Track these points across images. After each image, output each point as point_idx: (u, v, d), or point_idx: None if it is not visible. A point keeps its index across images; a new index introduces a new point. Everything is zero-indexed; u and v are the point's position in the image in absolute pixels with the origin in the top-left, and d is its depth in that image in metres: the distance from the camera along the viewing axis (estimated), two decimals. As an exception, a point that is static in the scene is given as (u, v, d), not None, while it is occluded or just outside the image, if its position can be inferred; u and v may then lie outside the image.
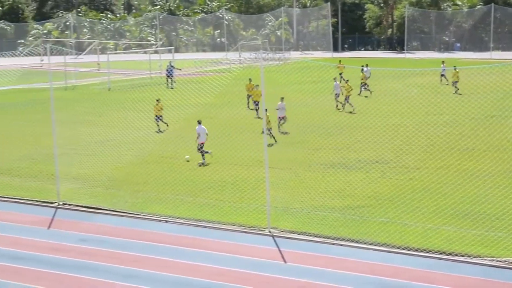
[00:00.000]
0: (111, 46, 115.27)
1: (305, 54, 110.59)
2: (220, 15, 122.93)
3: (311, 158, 31.12)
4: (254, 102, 43.68)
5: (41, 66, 77.25)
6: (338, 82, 46.81)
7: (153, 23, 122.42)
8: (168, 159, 31.71)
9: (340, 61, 56.75)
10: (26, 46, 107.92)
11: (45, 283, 18.20)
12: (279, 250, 20.25)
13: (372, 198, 24.69)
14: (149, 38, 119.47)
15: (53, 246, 21.09)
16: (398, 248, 19.81)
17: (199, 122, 31.24)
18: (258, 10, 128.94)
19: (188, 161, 31.22)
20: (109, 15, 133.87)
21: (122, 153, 31.52)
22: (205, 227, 22.48)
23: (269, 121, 34.07)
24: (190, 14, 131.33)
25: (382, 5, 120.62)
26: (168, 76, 60.40)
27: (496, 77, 41.43)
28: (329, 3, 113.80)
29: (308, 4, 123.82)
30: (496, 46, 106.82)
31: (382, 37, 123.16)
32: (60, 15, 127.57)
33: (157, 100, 38.86)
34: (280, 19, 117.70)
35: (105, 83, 63.90)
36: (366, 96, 51.09)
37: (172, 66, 61.99)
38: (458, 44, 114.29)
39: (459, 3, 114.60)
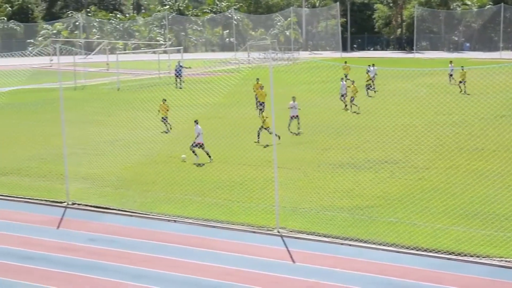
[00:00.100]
0: (120, 46, 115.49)
1: (314, 54, 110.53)
2: (229, 15, 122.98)
3: (320, 158, 31.10)
4: (259, 102, 43.71)
5: (50, 66, 77.40)
6: (344, 83, 46.81)
7: (162, 23, 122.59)
8: (176, 159, 31.73)
9: (345, 62, 56.70)
10: (36, 46, 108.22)
11: (55, 283, 18.25)
12: (288, 250, 20.24)
13: (381, 198, 24.65)
14: (158, 38, 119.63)
15: (63, 246, 21.14)
16: (407, 248, 19.78)
17: (196, 122, 31.28)
18: (267, 10, 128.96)
19: (184, 161, 31.22)
20: (118, 15, 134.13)
21: (131, 153, 31.58)
22: (214, 227, 22.49)
23: (264, 121, 34.09)
24: (199, 14, 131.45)
25: (391, 5, 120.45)
26: (177, 76, 60.47)
27: (506, 77, 41.38)
28: (338, 3, 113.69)
29: (317, 4, 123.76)
30: (505, 46, 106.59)
31: (391, 37, 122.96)
32: (70, 15, 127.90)
33: (163, 100, 38.88)
34: (289, 19, 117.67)
35: (114, 83, 64.01)
36: (370, 96, 51.01)
37: (180, 65, 62.02)
38: (468, 44, 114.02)
39: (469, 2, 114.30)
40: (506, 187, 24.84)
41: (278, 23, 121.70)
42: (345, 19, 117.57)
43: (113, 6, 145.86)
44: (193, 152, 31.12)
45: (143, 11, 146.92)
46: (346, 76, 52.97)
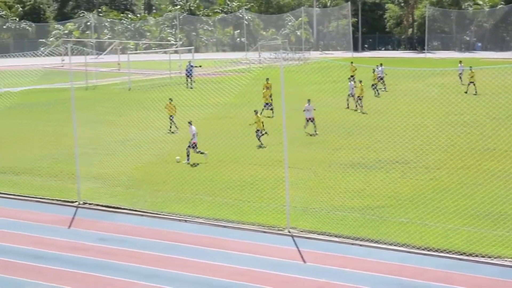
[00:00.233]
0: (132, 46, 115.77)
1: (325, 54, 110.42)
2: (240, 15, 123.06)
3: (330, 158, 31.08)
4: (265, 103, 43.74)
5: (62, 66, 77.67)
6: (352, 83, 46.77)
7: (173, 23, 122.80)
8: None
9: (352, 62, 56.68)
10: (48, 46, 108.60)
11: (66, 282, 18.30)
12: (299, 250, 20.23)
13: (392, 198, 24.60)
14: (169, 38, 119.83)
15: (74, 245, 21.20)
16: (418, 248, 19.74)
17: (190, 123, 31.30)
18: (278, 10, 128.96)
19: (178, 162, 31.23)
20: (129, 15, 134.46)
21: (142, 153, 31.64)
22: (225, 226, 22.51)
23: (261, 122, 34.00)
24: (210, 14, 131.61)
25: (402, 4, 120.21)
26: (188, 76, 60.52)
27: (518, 77, 41.11)
28: (349, 3, 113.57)
29: (328, 4, 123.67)
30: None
31: (403, 36, 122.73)
32: (81, 15, 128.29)
33: (169, 100, 38.90)
34: (300, 19, 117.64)
35: (126, 83, 64.15)
36: (377, 96, 50.90)
37: (191, 65, 62.07)
38: (479, 44, 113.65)
39: (480, 2, 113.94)
40: (517, 187, 24.74)
41: (289, 23, 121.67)
42: (356, 19, 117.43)
43: (125, 6, 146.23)
44: (188, 153, 31.12)
45: (154, 11, 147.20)
46: (352, 77, 52.88)
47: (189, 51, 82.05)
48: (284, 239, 21.23)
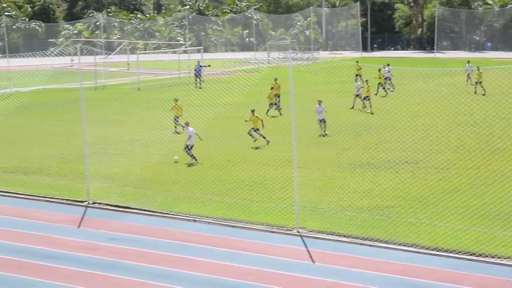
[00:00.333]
0: (141, 46, 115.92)
1: (334, 54, 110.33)
2: (249, 15, 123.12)
3: (339, 158, 31.05)
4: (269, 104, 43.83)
5: (71, 66, 77.79)
6: (359, 83, 46.68)
7: (183, 23, 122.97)
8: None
9: (357, 61, 56.61)
10: (57, 46, 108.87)
11: (76, 282, 18.35)
12: (307, 250, 20.23)
13: (401, 199, 24.57)
14: (178, 38, 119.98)
15: (84, 245, 21.26)
16: (427, 248, 19.71)
17: (187, 124, 31.29)
18: (287, 10, 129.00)
19: (176, 162, 31.24)
20: (139, 15, 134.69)
21: (151, 153, 31.69)
22: (234, 226, 22.52)
23: (256, 121, 33.92)
24: (219, 14, 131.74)
25: (412, 4, 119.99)
26: (197, 76, 60.56)
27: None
28: (358, 3, 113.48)
29: (337, 4, 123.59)
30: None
31: (412, 36, 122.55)
32: (91, 15, 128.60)
33: (175, 100, 38.91)
34: (309, 18, 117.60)
35: (135, 83, 64.26)
36: (382, 96, 50.82)
37: (200, 65, 62.12)
38: (489, 44, 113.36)
39: (490, 2, 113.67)
40: (527, 187, 24.66)
41: (298, 23, 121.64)
42: (365, 19, 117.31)
43: (134, 6, 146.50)
44: (191, 155, 31.12)
45: (164, 11, 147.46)
46: (359, 76, 52.81)
47: (198, 51, 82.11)
48: (293, 239, 21.23)
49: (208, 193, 26.16)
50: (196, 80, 60.87)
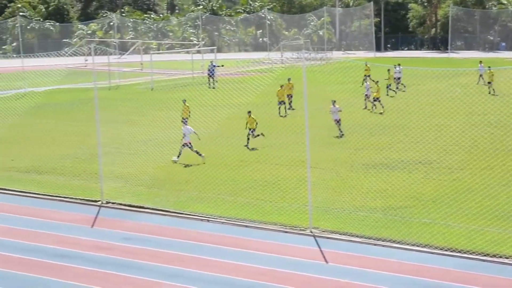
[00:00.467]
0: (154, 46, 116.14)
1: (347, 54, 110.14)
2: (263, 15, 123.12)
3: (353, 158, 31.00)
4: (280, 101, 43.86)
5: (85, 66, 78.13)
6: (368, 83, 46.56)
7: (196, 23, 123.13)
8: (209, 158, 31.81)
9: (366, 63, 56.64)
10: (71, 46, 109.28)
11: (90, 281, 18.42)
12: (321, 250, 20.22)
13: (415, 199, 24.51)
14: (191, 38, 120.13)
15: (98, 245, 21.33)
16: (440, 249, 19.65)
17: (185, 123, 31.28)
18: (301, 10, 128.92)
19: (175, 162, 31.26)
20: (152, 15, 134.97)
21: (164, 152, 31.73)
22: (247, 226, 22.54)
23: (252, 123, 33.78)
24: (232, 14, 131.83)
25: (425, 4, 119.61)
26: (210, 76, 60.62)
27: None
28: (372, 3, 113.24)
29: (350, 4, 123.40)
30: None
31: (426, 36, 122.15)
32: (104, 15, 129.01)
33: (183, 101, 38.93)
34: (322, 18, 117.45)
35: (148, 83, 64.42)
36: (392, 96, 50.69)
37: (213, 65, 62.17)
38: (503, 44, 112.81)
39: (505, 2, 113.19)
40: (542, 188, 24.54)
41: (312, 23, 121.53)
42: (379, 19, 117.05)
43: (147, 6, 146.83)
44: (197, 153, 31.16)
45: (177, 11, 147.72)
46: (368, 77, 52.66)
47: (212, 51, 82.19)
48: (306, 239, 21.22)
49: (221, 193, 26.19)
50: (209, 80, 60.92)
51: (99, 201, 25.86)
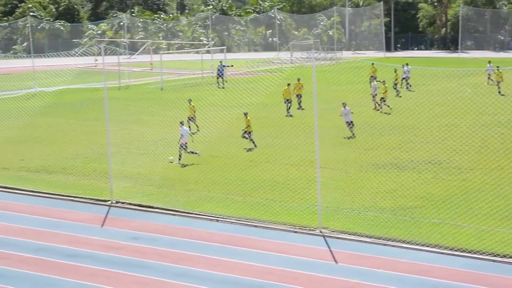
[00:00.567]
0: (164, 46, 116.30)
1: (357, 54, 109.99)
2: (272, 15, 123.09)
3: (362, 158, 30.97)
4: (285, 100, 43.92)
5: (95, 66, 78.30)
6: (375, 83, 46.45)
7: (206, 23, 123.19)
8: (218, 159, 31.87)
9: (372, 63, 56.54)
10: (81, 46, 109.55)
11: (99, 280, 18.48)
12: (330, 250, 20.21)
13: (424, 199, 24.47)
14: (201, 38, 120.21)
15: (107, 244, 21.39)
16: (450, 249, 19.62)
17: (182, 123, 31.30)
18: (310, 9, 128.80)
19: (171, 162, 31.28)
20: (162, 15, 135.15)
21: (173, 152, 31.74)
22: (256, 226, 22.55)
23: (248, 125, 33.64)
24: (242, 14, 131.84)
25: (436, 4, 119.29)
26: (219, 76, 60.62)
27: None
28: (382, 2, 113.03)
29: (360, 4, 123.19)
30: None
31: (436, 36, 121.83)
32: (114, 15, 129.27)
33: (189, 101, 38.94)
34: (332, 18, 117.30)
35: (158, 83, 64.52)
36: (400, 96, 50.59)
37: (223, 65, 62.19)
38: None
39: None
40: (552, 188, 24.45)
41: (321, 23, 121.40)
42: (388, 19, 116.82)
43: (157, 6, 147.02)
44: (190, 152, 31.16)
45: (187, 11, 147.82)
46: (375, 78, 52.52)
47: (221, 51, 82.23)
48: (316, 239, 21.22)
49: (231, 193, 26.21)
50: (218, 80, 60.94)
51: (108, 200, 25.92)
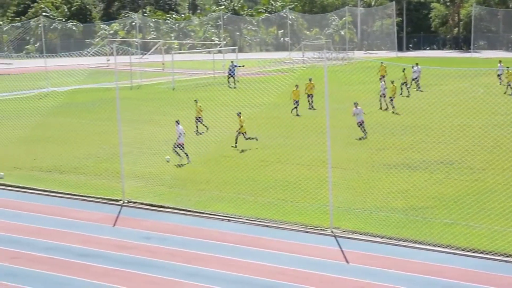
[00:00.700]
0: (176, 46, 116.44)
1: (369, 54, 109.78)
2: (284, 15, 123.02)
3: (374, 158, 30.92)
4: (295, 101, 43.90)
5: (107, 66, 78.51)
6: (383, 83, 46.32)
7: (218, 23, 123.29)
8: (230, 158, 31.90)
9: (382, 62, 56.41)
10: (94, 46, 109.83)
11: (111, 280, 18.52)
12: (341, 250, 20.19)
13: (436, 199, 24.40)
14: (213, 38, 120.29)
15: (119, 244, 21.45)
16: (462, 250, 19.56)
17: (178, 123, 31.27)
18: (322, 9, 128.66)
19: (168, 161, 31.28)
20: (174, 15, 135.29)
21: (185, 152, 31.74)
22: (268, 226, 22.55)
23: (241, 126, 33.48)
24: (254, 14, 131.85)
25: (448, 3, 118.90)
26: (230, 76, 60.64)
27: None
28: (394, 2, 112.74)
29: (372, 3, 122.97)
30: None
31: (448, 36, 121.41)
32: (126, 15, 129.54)
33: (195, 101, 38.92)
34: (344, 18, 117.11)
35: (170, 83, 64.61)
36: (407, 96, 50.44)
37: (234, 65, 62.20)
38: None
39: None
40: None
41: (333, 23, 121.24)
42: (400, 18, 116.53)
43: (169, 6, 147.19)
44: (176, 152, 31.15)
45: (199, 11, 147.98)
46: (383, 77, 52.38)
47: (233, 50, 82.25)
48: (327, 239, 21.20)
49: (242, 192, 26.22)
50: (229, 80, 60.95)
51: (120, 200, 25.98)
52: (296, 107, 43.71)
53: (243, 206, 24.59)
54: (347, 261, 19.43)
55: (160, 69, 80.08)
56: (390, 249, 20.14)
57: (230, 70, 61.52)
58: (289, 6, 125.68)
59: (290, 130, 36.78)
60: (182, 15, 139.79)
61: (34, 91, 56.19)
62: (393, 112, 43.24)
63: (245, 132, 33.72)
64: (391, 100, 44.17)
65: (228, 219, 23.36)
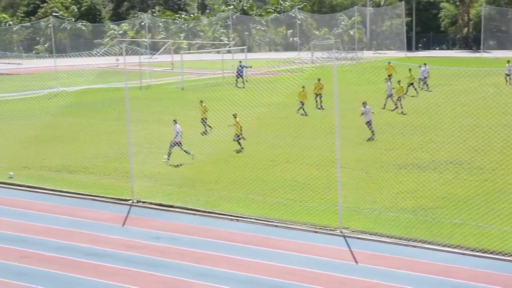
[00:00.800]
0: (185, 46, 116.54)
1: (378, 54, 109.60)
2: (293, 15, 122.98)
3: (383, 158, 30.86)
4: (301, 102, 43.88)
5: (116, 66, 78.61)
6: (389, 83, 46.20)
7: (227, 23, 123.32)
8: (238, 158, 31.90)
9: (389, 62, 56.25)
10: (103, 46, 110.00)
11: (120, 279, 18.56)
12: (351, 251, 20.17)
13: (446, 199, 24.34)
14: (222, 38, 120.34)
15: (128, 243, 21.48)
16: (472, 250, 19.50)
17: (175, 122, 31.25)
18: (331, 9, 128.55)
19: (165, 161, 31.28)
20: (183, 15, 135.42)
21: (194, 152, 31.79)
22: (277, 226, 22.54)
23: (240, 127, 33.35)
24: (263, 14, 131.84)
25: (458, 3, 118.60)
26: (239, 76, 60.63)
27: None
28: (403, 2, 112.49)
29: (381, 3, 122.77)
30: None
31: (458, 36, 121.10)
32: (136, 15, 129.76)
33: (200, 101, 38.90)
34: (353, 18, 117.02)
35: (179, 83, 64.65)
36: (413, 96, 50.30)
37: (242, 66, 62.20)
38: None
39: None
40: None
41: (342, 23, 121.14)
42: (410, 18, 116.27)
43: (178, 6, 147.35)
44: (169, 152, 31.13)
45: (208, 11, 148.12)
46: (389, 77, 52.21)
47: (242, 50, 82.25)
48: (336, 239, 21.18)
49: (251, 192, 26.22)
50: (237, 80, 60.94)
51: (129, 200, 26.02)
52: (301, 107, 43.66)
53: (252, 206, 24.59)
54: (356, 261, 19.41)
55: (169, 69, 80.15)
56: (399, 249, 20.10)
57: (238, 70, 61.55)
58: (298, 6, 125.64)
59: (299, 130, 36.74)
60: (191, 15, 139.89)
61: (43, 91, 56.36)
62: (400, 113, 43.08)
63: (240, 134, 33.47)
64: (399, 100, 44.07)
65: (237, 219, 23.37)
